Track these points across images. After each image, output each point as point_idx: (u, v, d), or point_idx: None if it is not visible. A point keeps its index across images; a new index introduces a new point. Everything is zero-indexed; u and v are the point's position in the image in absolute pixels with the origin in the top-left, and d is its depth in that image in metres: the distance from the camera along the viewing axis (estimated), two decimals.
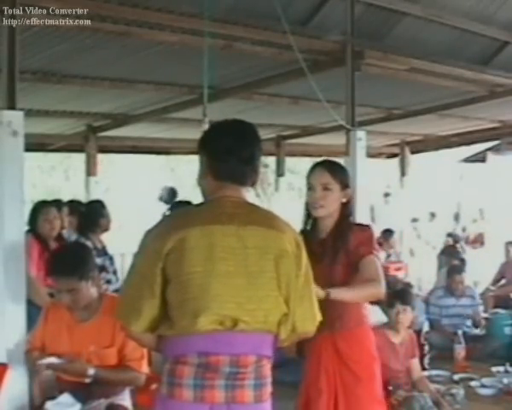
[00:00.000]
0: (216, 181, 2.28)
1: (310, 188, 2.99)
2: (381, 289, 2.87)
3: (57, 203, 5.43)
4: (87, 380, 3.26)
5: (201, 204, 2.33)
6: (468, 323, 6.64)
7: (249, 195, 2.34)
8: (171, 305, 2.17)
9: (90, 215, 5.65)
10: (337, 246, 2.93)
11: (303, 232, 3.03)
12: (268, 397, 2.23)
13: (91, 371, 3.24)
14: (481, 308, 6.87)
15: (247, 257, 2.18)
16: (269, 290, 2.19)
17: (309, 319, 2.31)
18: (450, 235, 10.47)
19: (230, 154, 2.25)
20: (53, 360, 3.28)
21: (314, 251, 2.96)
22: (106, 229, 5.69)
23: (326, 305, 2.96)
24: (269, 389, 2.24)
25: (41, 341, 3.49)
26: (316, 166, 3.05)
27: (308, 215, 3.04)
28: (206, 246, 2.15)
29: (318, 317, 2.34)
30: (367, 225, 3.10)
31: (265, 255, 2.19)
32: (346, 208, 2.99)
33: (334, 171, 2.98)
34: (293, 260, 2.24)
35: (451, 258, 8.00)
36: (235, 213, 2.22)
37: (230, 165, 2.26)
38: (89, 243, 5.38)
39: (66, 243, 5.06)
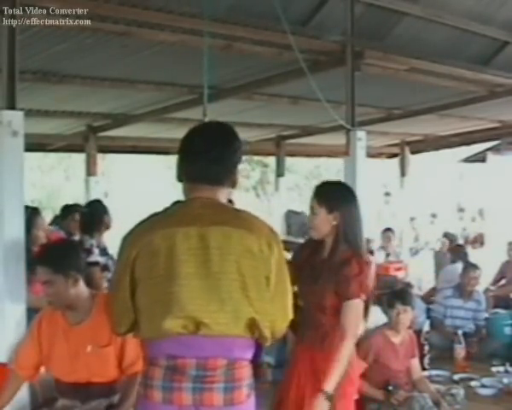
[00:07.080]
0: (189, 182, 2.29)
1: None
2: (348, 342, 2.87)
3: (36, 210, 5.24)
4: None
5: (169, 207, 2.34)
6: (470, 325, 6.61)
7: (224, 195, 2.30)
8: (138, 309, 2.21)
9: (94, 214, 5.67)
10: (329, 274, 2.94)
11: (309, 247, 3.12)
12: (243, 400, 2.19)
13: None
14: (484, 315, 6.81)
15: (208, 258, 2.15)
16: (232, 292, 2.14)
17: (280, 319, 2.26)
18: (445, 235, 10.38)
19: (198, 155, 2.25)
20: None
21: (315, 268, 3.01)
22: (108, 227, 5.70)
23: (313, 323, 2.97)
24: (244, 391, 2.19)
25: (32, 359, 3.39)
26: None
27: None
28: (167, 249, 2.16)
29: (290, 316, 2.31)
30: (366, 262, 3.02)
31: (227, 256, 2.15)
32: (338, 232, 2.96)
33: (320, 195, 3.02)
34: (261, 261, 2.18)
35: (456, 258, 7.95)
36: (200, 213, 2.20)
37: (199, 166, 2.25)
38: (93, 242, 5.39)
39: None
